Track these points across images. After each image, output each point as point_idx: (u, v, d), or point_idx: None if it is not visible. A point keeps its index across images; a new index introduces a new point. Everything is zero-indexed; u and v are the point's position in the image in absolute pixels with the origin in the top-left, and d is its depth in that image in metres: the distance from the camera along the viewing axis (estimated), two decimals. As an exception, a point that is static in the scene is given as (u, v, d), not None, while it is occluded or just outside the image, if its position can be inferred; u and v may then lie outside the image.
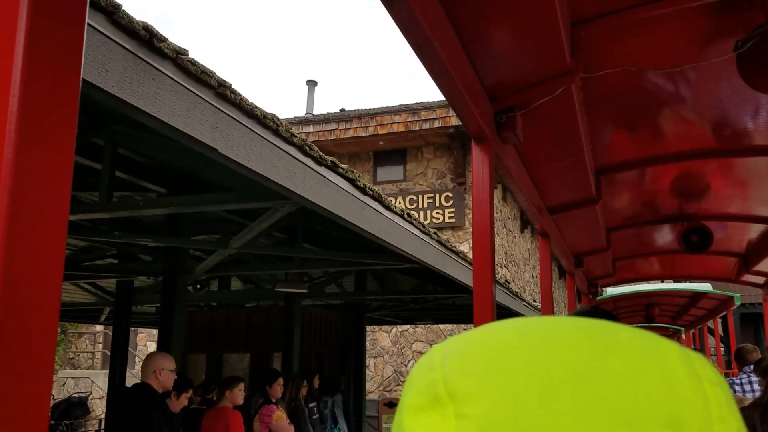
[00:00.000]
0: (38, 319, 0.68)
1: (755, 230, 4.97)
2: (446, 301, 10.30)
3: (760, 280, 6.02)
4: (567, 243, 4.95)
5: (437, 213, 14.53)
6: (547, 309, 4.45)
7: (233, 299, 10.82)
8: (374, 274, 9.41)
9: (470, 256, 10.49)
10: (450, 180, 14.78)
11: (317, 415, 7.78)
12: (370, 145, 15.27)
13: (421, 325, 14.16)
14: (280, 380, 6.36)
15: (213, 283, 10.33)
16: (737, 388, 5.58)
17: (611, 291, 12.11)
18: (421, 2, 1.75)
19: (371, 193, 4.10)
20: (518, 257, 15.91)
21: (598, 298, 11.59)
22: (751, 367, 5.69)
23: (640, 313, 11.95)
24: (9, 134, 0.63)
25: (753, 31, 2.05)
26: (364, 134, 14.81)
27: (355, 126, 14.92)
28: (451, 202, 14.50)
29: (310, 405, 7.62)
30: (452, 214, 14.41)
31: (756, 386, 5.40)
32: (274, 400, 6.20)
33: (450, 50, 2.02)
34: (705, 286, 11.48)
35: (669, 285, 12.73)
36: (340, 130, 15.03)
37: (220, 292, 10.50)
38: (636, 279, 8.24)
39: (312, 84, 19.30)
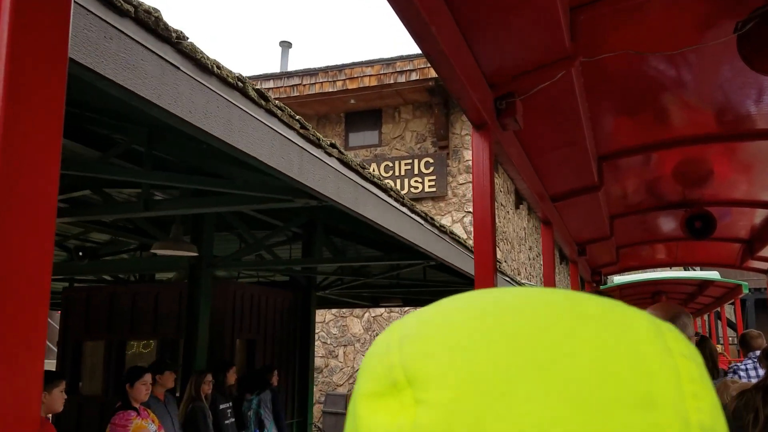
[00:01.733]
0: (28, 307, 0.68)
1: (759, 215, 4.95)
2: (411, 274, 8.83)
3: (764, 266, 6.00)
4: (569, 231, 4.94)
5: (416, 181, 12.63)
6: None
7: (124, 270, 8.96)
8: (327, 244, 8.14)
9: (454, 229, 10.13)
10: (431, 144, 12.86)
11: (233, 419, 6.44)
12: (341, 104, 13.20)
13: (396, 309, 12.57)
14: (147, 377, 5.01)
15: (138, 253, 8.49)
16: (742, 374, 5.57)
17: (618, 279, 12.12)
18: (417, -12, 1.74)
19: (180, 41, 2.33)
20: (512, 235, 14.49)
21: (606, 286, 11.62)
22: (757, 353, 5.69)
23: (647, 301, 11.96)
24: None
25: (753, 12, 2.03)
26: (331, 90, 12.70)
27: (321, 80, 12.78)
28: (431, 169, 12.58)
29: (222, 406, 6.31)
30: (433, 183, 12.50)
31: (761, 371, 5.39)
32: (136, 405, 4.93)
33: (448, 36, 2.01)
34: (713, 274, 11.47)
35: (677, 273, 12.72)
36: (304, 85, 12.86)
37: (106, 262, 8.60)
38: (640, 267, 8.22)
39: (286, 45, 17.51)
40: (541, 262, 17.27)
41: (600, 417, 0.27)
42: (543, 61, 2.40)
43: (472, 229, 11.75)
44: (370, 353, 0.35)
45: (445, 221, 12.31)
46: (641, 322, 0.32)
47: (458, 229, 12.00)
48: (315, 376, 12.59)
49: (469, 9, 2.05)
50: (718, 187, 4.48)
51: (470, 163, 12.06)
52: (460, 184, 12.46)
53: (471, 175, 11.73)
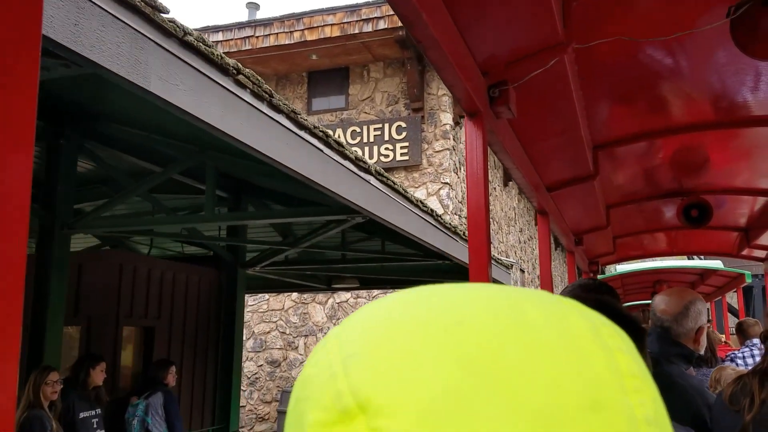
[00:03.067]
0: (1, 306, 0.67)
1: (756, 203, 4.95)
2: (366, 246, 7.42)
3: (762, 254, 6.00)
4: (566, 221, 4.94)
5: (386, 149, 11.11)
6: (547, 288, 4.44)
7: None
8: (254, 203, 6.60)
9: (430, 204, 9.25)
10: (404, 106, 11.30)
11: (101, 431, 5.18)
12: (302, 61, 11.51)
13: (363, 293, 11.18)
14: None
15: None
16: (739, 362, 5.58)
17: (620, 268, 12.16)
18: (407, -26, 1.72)
19: None
20: (499, 215, 13.25)
21: (606, 276, 11.65)
22: (754, 341, 5.70)
23: (648, 289, 11.99)
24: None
25: (746, -5, 2.02)
26: (288, 42, 10.98)
27: (276, 31, 10.99)
28: (404, 134, 11.06)
29: (83, 415, 5.04)
30: (405, 150, 11.06)
31: (757, 359, 5.40)
32: None
33: (440, 23, 1.99)
34: (716, 263, 11.51)
35: (679, 262, 12.74)
36: (257, 37, 11.16)
37: None
38: (637, 256, 8.24)
39: (253, 7, 15.52)
40: (533, 246, 16.92)
41: (556, 425, 0.28)
42: (536, 48, 2.39)
43: (450, 203, 10.89)
44: (312, 376, 0.33)
45: (420, 194, 10.82)
46: (579, 321, 0.32)
47: (434, 203, 10.77)
48: (272, 370, 11.61)
49: (460, -5, 2.03)
50: (714, 175, 4.48)
51: (448, 127, 11.15)
52: (437, 152, 11.16)
53: (448, 141, 11.02)
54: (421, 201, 5.29)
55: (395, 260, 7.51)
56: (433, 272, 8.54)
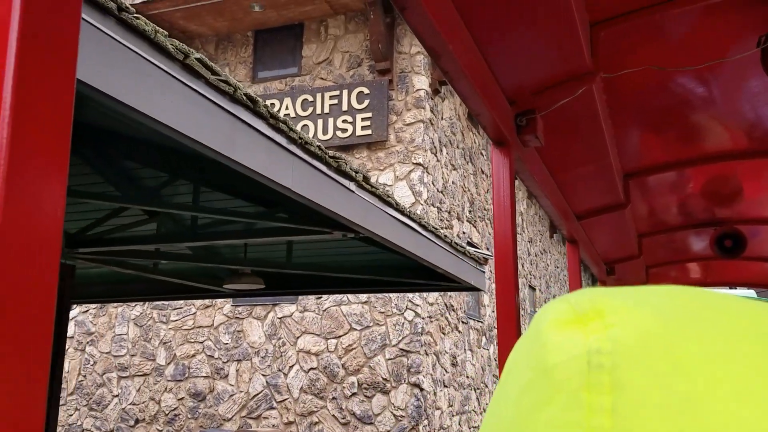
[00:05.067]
0: (34, 287, 0.69)
1: (793, 234, 4.84)
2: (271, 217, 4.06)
3: (800, 285, 5.85)
4: (597, 250, 4.88)
5: (344, 121, 8.86)
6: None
7: None
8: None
9: (397, 189, 8.33)
10: (368, 69, 9.08)
11: None
12: (244, 15, 9.25)
13: (313, 306, 8.77)
14: None
15: None
16: None
17: None
18: (435, 7, 1.75)
19: None
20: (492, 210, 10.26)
21: None
22: None
23: None
24: (1, 131, 0.64)
25: (777, 25, 2.01)
26: None
27: None
28: (366, 103, 8.83)
29: None
30: (368, 122, 8.79)
31: None
32: None
33: (467, 54, 2.01)
34: (749, 292, 11.35)
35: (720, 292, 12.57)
36: None
37: None
38: (671, 287, 8.08)
39: None
40: (547, 262, 16.28)
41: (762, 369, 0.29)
42: (563, 78, 2.40)
43: (423, 190, 8.82)
44: (544, 308, 0.34)
45: (386, 178, 8.83)
46: None
47: (403, 189, 8.75)
48: (195, 405, 9.26)
49: (487, 26, 2.05)
50: (748, 204, 4.40)
51: (422, 94, 9.07)
52: (408, 125, 8.93)
53: (422, 111, 9.27)
54: (266, 106, 2.66)
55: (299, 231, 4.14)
56: (362, 268, 5.70)
